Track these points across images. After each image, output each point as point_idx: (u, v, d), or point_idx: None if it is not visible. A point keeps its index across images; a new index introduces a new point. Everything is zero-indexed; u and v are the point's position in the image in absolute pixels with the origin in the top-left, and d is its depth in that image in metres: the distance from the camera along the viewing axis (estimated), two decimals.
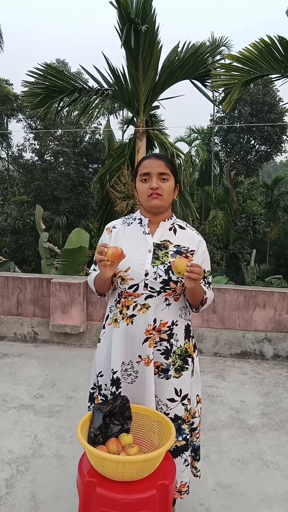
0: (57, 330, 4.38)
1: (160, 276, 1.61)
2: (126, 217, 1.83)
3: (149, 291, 1.63)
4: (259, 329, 4.22)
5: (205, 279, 1.74)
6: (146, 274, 1.62)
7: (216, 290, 4.17)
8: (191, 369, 1.74)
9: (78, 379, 3.59)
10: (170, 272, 1.61)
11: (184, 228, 1.74)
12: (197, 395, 1.80)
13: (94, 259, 1.74)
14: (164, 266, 1.62)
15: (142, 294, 1.63)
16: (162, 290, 1.62)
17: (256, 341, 4.20)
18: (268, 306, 4.18)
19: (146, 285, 1.63)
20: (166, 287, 1.62)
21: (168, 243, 1.68)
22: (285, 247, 20.98)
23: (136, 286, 1.63)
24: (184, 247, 1.68)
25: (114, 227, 1.76)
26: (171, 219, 1.74)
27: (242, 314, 4.22)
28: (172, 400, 1.69)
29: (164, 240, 1.68)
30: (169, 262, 1.63)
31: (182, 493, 1.78)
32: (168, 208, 1.73)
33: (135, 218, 1.76)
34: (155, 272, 1.62)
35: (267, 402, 3.27)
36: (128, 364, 1.67)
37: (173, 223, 1.74)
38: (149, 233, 1.69)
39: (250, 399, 3.32)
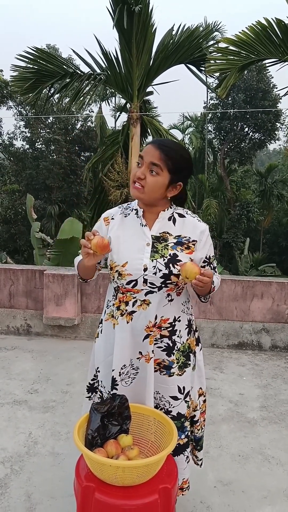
0: (51, 322, 4.29)
1: (160, 270, 1.51)
2: (124, 206, 1.69)
3: (149, 286, 1.53)
4: (256, 320, 4.16)
5: (211, 265, 1.65)
6: (145, 269, 1.52)
7: None
8: (193, 364, 1.68)
9: (73, 372, 3.50)
10: (171, 265, 1.51)
11: (184, 216, 1.62)
12: (200, 388, 1.74)
13: None
14: (164, 260, 1.51)
15: (142, 290, 1.53)
16: (163, 285, 1.52)
17: (254, 332, 4.15)
18: (266, 296, 4.11)
19: (145, 281, 1.52)
20: (167, 281, 1.52)
21: (168, 234, 1.57)
22: (278, 235, 20.99)
23: (134, 282, 1.53)
24: (185, 237, 1.57)
25: (113, 218, 1.64)
26: (170, 208, 1.62)
27: (240, 305, 4.16)
28: (175, 398, 1.62)
29: (163, 232, 1.57)
30: (170, 255, 1.52)
31: (184, 489, 1.73)
32: (162, 200, 1.58)
33: (132, 209, 1.64)
34: (155, 266, 1.51)
35: (266, 395, 3.22)
36: (129, 366, 1.59)
37: (173, 213, 1.62)
38: (146, 225, 1.57)
39: (249, 392, 3.26)
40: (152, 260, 1.52)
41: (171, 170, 1.50)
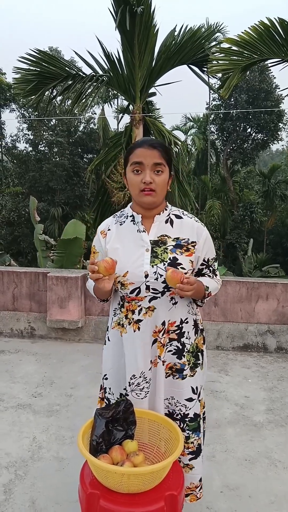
0: (54, 325, 4.27)
1: (161, 275, 1.48)
2: (117, 214, 1.66)
3: (152, 292, 1.51)
4: (262, 322, 4.12)
5: (210, 267, 1.64)
6: (146, 276, 1.49)
7: None
8: (201, 363, 1.67)
9: (77, 376, 3.48)
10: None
11: (181, 217, 1.59)
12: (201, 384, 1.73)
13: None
14: (164, 264, 1.49)
15: (146, 296, 1.51)
16: (165, 290, 1.50)
17: (259, 333, 4.11)
18: (271, 298, 4.08)
19: (148, 287, 1.50)
20: (170, 285, 1.49)
21: (166, 237, 1.54)
22: (282, 236, 20.91)
23: (137, 290, 1.51)
24: (184, 239, 1.54)
25: (109, 229, 1.60)
26: (166, 210, 1.59)
27: (245, 307, 4.12)
28: (190, 399, 1.61)
29: (162, 236, 1.54)
30: (170, 259, 1.50)
31: (201, 488, 1.73)
32: (162, 200, 1.57)
33: (127, 216, 1.61)
34: (155, 272, 1.49)
35: (272, 397, 3.19)
36: (141, 377, 1.56)
37: (169, 214, 1.59)
38: (144, 231, 1.54)
39: (255, 394, 3.23)
40: (153, 266, 1.50)
41: (168, 163, 1.53)
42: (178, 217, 1.59)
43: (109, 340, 1.66)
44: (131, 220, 1.59)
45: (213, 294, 1.64)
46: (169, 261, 1.50)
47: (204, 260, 1.60)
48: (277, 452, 2.50)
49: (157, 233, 1.55)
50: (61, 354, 3.97)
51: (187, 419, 1.60)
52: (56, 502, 2.05)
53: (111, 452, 1.47)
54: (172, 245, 1.53)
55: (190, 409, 1.61)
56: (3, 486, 2.15)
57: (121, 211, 1.67)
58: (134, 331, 1.54)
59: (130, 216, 1.59)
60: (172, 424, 1.53)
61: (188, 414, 1.60)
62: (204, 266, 1.62)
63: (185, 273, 1.50)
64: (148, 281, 1.49)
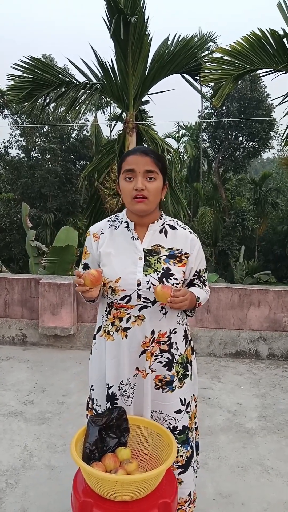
0: (46, 332, 4.24)
1: (153, 285, 1.47)
2: (112, 218, 1.65)
3: (143, 301, 1.49)
4: (254, 328, 4.14)
5: (201, 278, 1.65)
6: (139, 284, 1.48)
7: (210, 289, 4.07)
8: (190, 374, 1.66)
9: (69, 383, 3.46)
10: (164, 279, 1.49)
11: (175, 228, 1.59)
12: (193, 394, 1.71)
13: (81, 263, 1.66)
14: (158, 274, 1.49)
15: (136, 305, 1.50)
16: (157, 300, 1.49)
17: (251, 340, 4.13)
18: (263, 304, 4.10)
19: (139, 296, 1.49)
20: (160, 302, 1.48)
21: (160, 247, 1.54)
22: (273, 243, 21.06)
23: (128, 297, 1.50)
24: (177, 249, 1.55)
25: (102, 233, 1.59)
26: (160, 219, 1.59)
27: (237, 313, 4.14)
28: (179, 411, 1.59)
29: (155, 245, 1.54)
30: (163, 269, 1.50)
31: (194, 502, 1.72)
32: (156, 208, 1.57)
33: (122, 221, 1.60)
34: (148, 281, 1.48)
35: (265, 404, 3.19)
36: (126, 384, 1.54)
37: (163, 224, 1.58)
38: (137, 239, 1.54)
39: (247, 401, 3.23)
40: (146, 275, 1.49)
41: (162, 171, 1.52)
42: (172, 227, 1.59)
43: (96, 350, 1.64)
44: (126, 226, 1.58)
45: (202, 304, 1.66)
46: (162, 271, 1.50)
47: (196, 271, 1.61)
48: (269, 459, 2.50)
49: (151, 242, 1.54)
50: (53, 361, 3.94)
51: (176, 432, 1.58)
52: (48, 511, 2.02)
53: (104, 460, 1.46)
54: (166, 255, 1.53)
55: (178, 421, 1.58)
56: None
57: (116, 215, 1.66)
58: (122, 338, 1.52)
59: (125, 222, 1.59)
60: (165, 431, 1.52)
61: (177, 427, 1.58)
62: (196, 276, 1.63)
63: (177, 284, 1.51)
64: (140, 289, 1.48)
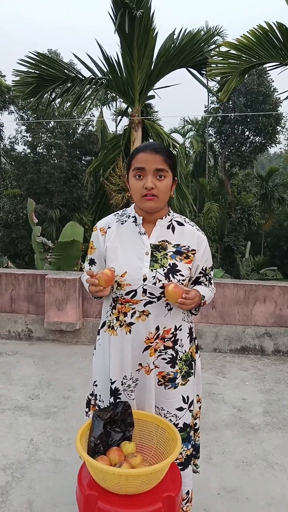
0: (52, 327, 4.26)
1: (159, 280, 1.47)
2: (119, 213, 1.64)
3: (148, 297, 1.49)
4: (259, 324, 4.13)
5: (206, 276, 1.64)
6: (145, 279, 1.48)
7: (215, 285, 4.05)
8: (194, 372, 1.65)
9: (74, 378, 3.48)
10: (170, 275, 1.49)
11: (182, 225, 1.59)
12: (197, 395, 1.71)
13: (87, 258, 1.66)
14: (164, 270, 1.49)
15: (141, 300, 1.50)
16: (162, 296, 1.49)
17: (256, 336, 4.12)
18: (269, 300, 4.09)
19: (144, 291, 1.49)
20: (170, 302, 1.48)
21: (167, 243, 1.54)
22: (279, 238, 20.97)
23: (134, 292, 1.49)
24: (184, 246, 1.54)
25: (109, 227, 1.58)
26: (168, 215, 1.58)
27: (242, 309, 4.13)
28: (180, 409, 1.58)
29: (162, 241, 1.54)
30: (169, 265, 1.50)
31: (191, 500, 1.71)
32: (164, 205, 1.56)
33: (129, 216, 1.60)
34: (154, 276, 1.48)
35: (269, 400, 3.19)
36: (130, 379, 1.55)
37: (171, 220, 1.58)
38: (145, 233, 1.53)
39: (252, 397, 3.23)
40: (152, 270, 1.48)
41: (172, 169, 1.51)
42: (179, 223, 1.59)
43: (99, 345, 1.64)
44: (133, 221, 1.58)
45: (207, 303, 1.65)
46: (168, 267, 1.49)
47: (202, 269, 1.61)
48: (274, 455, 2.50)
49: (158, 238, 1.54)
50: (59, 356, 3.96)
51: (176, 428, 1.58)
52: (53, 504, 2.04)
53: (109, 454, 1.47)
54: (172, 251, 1.52)
55: (180, 418, 1.58)
56: (0, 488, 2.14)
57: (123, 210, 1.66)
58: (126, 333, 1.52)
59: (133, 217, 1.58)
60: (170, 425, 1.52)
61: (178, 424, 1.58)
62: (202, 274, 1.62)
63: (183, 281, 1.50)
64: (146, 284, 1.48)
